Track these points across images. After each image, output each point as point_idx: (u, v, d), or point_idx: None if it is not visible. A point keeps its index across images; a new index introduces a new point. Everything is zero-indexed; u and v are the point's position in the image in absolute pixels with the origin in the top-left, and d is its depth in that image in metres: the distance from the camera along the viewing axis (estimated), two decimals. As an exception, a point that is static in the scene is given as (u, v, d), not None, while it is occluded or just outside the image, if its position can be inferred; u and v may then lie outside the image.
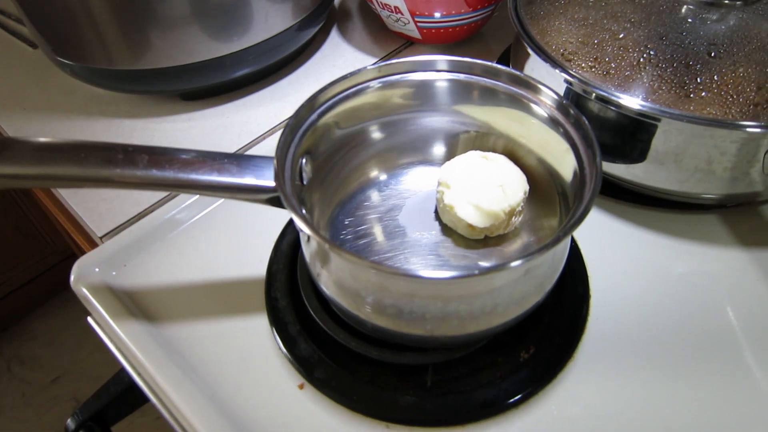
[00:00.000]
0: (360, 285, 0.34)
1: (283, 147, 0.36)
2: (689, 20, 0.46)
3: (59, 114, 0.59)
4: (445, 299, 0.33)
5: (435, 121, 0.44)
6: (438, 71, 0.41)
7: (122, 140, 0.55)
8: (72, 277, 0.45)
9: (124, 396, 0.47)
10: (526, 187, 0.42)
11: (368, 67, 0.40)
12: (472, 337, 0.37)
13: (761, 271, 0.44)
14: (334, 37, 0.68)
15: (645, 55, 0.44)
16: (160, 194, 0.51)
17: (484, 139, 0.45)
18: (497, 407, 0.37)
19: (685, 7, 0.47)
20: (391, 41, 0.66)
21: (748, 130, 0.40)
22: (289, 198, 0.33)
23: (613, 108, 0.43)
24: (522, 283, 0.34)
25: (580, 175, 0.35)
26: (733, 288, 0.43)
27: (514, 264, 0.30)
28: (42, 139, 0.35)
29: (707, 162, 0.42)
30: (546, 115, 0.39)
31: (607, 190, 0.49)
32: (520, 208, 0.41)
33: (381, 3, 0.59)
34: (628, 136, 0.44)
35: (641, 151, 0.44)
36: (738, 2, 0.46)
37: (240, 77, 0.59)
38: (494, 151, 0.44)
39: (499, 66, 0.40)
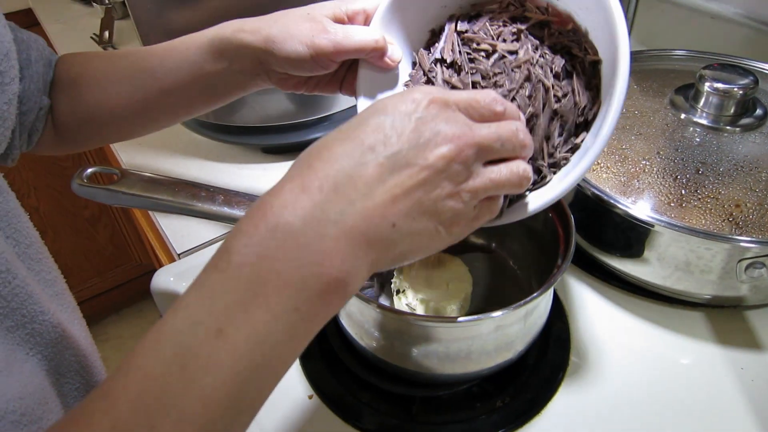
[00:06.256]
0: (364, 318, 0.43)
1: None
2: (689, 139, 0.53)
3: (165, 151, 0.73)
4: (427, 340, 0.41)
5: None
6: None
7: (208, 178, 0.68)
8: (152, 282, 0.57)
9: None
10: (469, 289, 0.49)
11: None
12: (450, 378, 0.44)
13: (729, 368, 0.48)
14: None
15: (640, 166, 0.52)
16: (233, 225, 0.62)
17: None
18: (465, 442, 0.44)
19: (689, 128, 0.54)
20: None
21: (715, 241, 0.46)
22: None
23: (605, 208, 0.51)
24: (493, 338, 0.41)
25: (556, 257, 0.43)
26: (698, 379, 0.48)
27: (475, 318, 0.38)
28: (148, 174, 0.48)
29: (685, 264, 0.49)
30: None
31: (607, 278, 0.55)
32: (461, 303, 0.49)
33: None
34: (620, 233, 0.51)
35: (629, 247, 0.51)
36: (737, 129, 0.53)
37: (314, 139, 0.70)
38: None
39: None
